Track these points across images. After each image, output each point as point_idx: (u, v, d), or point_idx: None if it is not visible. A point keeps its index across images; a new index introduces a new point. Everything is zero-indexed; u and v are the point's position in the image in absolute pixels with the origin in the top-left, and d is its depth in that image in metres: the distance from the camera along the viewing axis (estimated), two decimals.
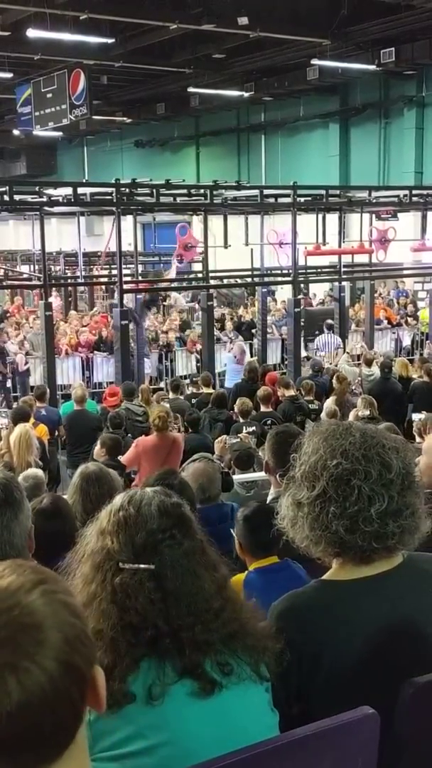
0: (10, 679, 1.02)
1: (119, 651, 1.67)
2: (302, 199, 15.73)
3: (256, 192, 16.15)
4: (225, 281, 21.40)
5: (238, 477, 6.92)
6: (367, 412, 9.10)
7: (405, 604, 1.97)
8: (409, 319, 19.78)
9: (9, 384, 15.19)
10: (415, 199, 17.12)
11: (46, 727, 1.05)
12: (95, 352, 16.67)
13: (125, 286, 13.79)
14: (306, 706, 1.95)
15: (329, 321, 16.99)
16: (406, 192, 17.17)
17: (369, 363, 13.16)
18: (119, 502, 1.84)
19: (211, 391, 11.66)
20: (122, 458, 8.05)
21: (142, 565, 1.73)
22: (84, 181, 22.97)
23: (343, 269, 17.51)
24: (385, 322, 19.26)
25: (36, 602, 1.09)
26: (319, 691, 1.92)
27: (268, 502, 4.34)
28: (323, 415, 9.54)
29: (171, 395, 11.55)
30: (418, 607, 1.98)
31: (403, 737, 1.82)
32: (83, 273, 19.17)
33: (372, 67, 20.79)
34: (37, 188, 14.61)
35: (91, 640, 1.14)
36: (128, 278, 14.76)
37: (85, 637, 1.12)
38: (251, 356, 17.45)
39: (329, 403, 10.45)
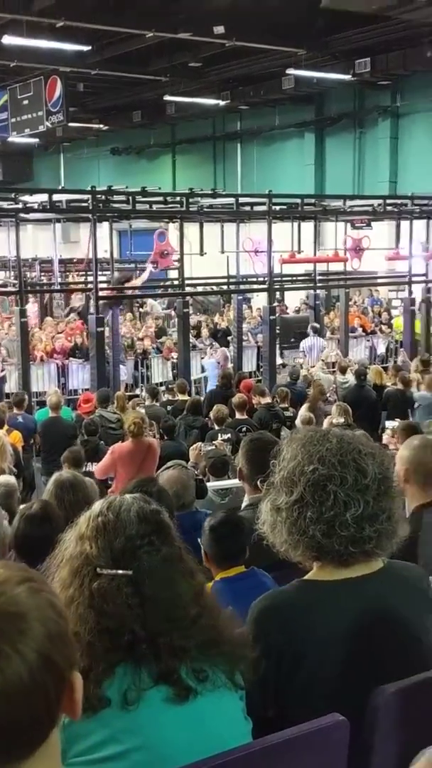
0: None
1: (95, 655, 1.67)
2: (278, 208, 15.79)
3: (231, 200, 16.20)
4: (201, 288, 21.41)
5: (212, 484, 6.94)
6: (342, 420, 9.14)
7: (385, 607, 2.00)
8: (384, 327, 19.91)
9: None
10: (389, 208, 17.25)
11: (20, 719, 1.06)
12: (71, 358, 16.62)
13: (101, 293, 13.78)
14: (282, 708, 1.96)
15: (315, 324, 17.11)
16: (381, 201, 17.30)
17: (344, 370, 13.23)
18: (98, 507, 1.85)
19: (186, 398, 11.68)
20: (98, 466, 8.03)
21: (120, 571, 1.74)
22: (60, 188, 22.89)
23: (318, 277, 17.59)
24: (360, 329, 19.36)
25: (22, 594, 1.11)
26: (297, 691, 1.94)
27: (242, 509, 4.35)
28: (297, 422, 9.58)
29: (148, 402, 11.55)
30: (398, 610, 2.01)
31: (371, 744, 1.84)
32: (59, 280, 19.12)
33: (347, 77, 20.94)
34: (12, 195, 14.57)
35: (72, 643, 1.16)
36: (104, 285, 14.74)
37: (67, 638, 1.14)
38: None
39: (303, 410, 10.50)
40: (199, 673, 1.73)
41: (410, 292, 17.39)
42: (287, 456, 2.06)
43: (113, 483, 8.17)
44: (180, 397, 11.83)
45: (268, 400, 11.20)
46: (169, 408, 11.52)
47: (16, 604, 1.09)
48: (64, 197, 14.99)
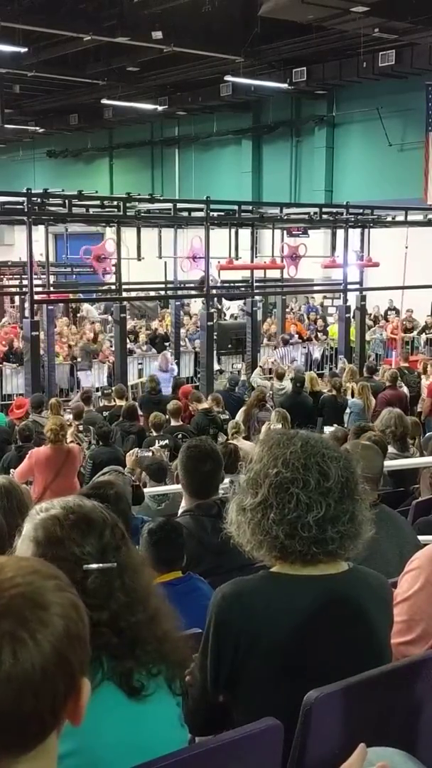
0: (6, 647, 1.04)
1: None
2: (215, 214, 15.85)
3: (169, 205, 16.20)
4: (138, 294, 21.34)
5: (149, 490, 6.91)
6: (279, 426, 9.20)
7: (348, 606, 2.05)
8: (319, 334, 20.13)
9: None
10: (325, 216, 17.45)
11: (23, 710, 1.05)
12: (5, 363, 16.40)
13: (36, 297, 13.63)
14: (233, 694, 2.00)
15: (285, 335, 17.25)
16: (317, 210, 17.49)
17: (280, 377, 13.33)
18: (59, 509, 1.79)
19: (122, 403, 11.63)
20: (17, 470, 7.93)
21: (106, 564, 1.72)
22: None
23: (255, 284, 17.70)
24: (296, 336, 19.54)
25: (49, 588, 1.12)
26: (249, 678, 1.97)
27: (179, 515, 4.35)
28: (228, 428, 9.61)
29: (117, 402, 11.56)
30: (358, 611, 2.05)
31: (304, 746, 1.85)
32: None
33: (284, 85, 21.15)
34: None
35: (86, 650, 1.15)
36: (39, 288, 14.58)
37: (84, 642, 1.14)
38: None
39: (238, 415, 10.55)
40: (149, 672, 1.72)
41: (345, 300, 17.61)
42: (254, 458, 2.11)
43: (31, 488, 8.05)
44: (118, 402, 11.76)
45: (205, 405, 11.22)
46: (106, 413, 11.45)
47: (41, 595, 1.10)
48: None
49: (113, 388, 13.11)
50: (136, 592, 1.76)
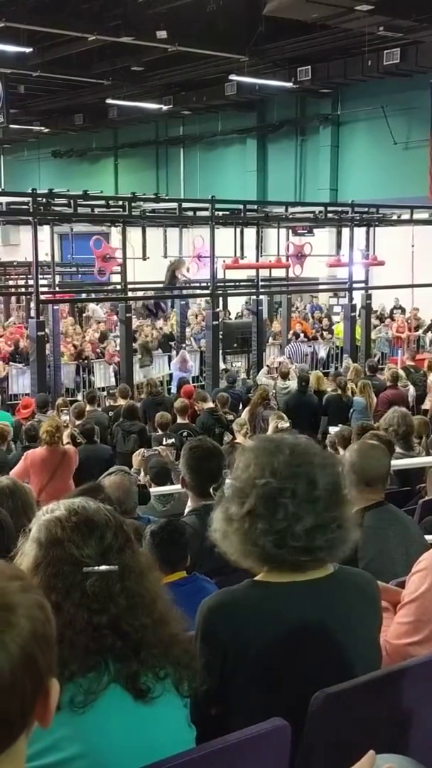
0: None
1: (71, 657, 1.64)
2: (220, 213, 15.84)
3: (174, 205, 16.20)
4: (144, 293, 21.33)
5: (154, 490, 6.91)
6: (287, 424, 9.23)
7: (334, 610, 2.03)
8: (325, 333, 20.11)
9: None
10: (330, 215, 17.43)
11: None
12: (11, 363, 16.42)
13: (41, 297, 13.64)
14: (225, 707, 1.98)
15: (296, 330, 17.11)
16: (322, 209, 17.47)
17: (285, 376, 13.31)
18: (63, 511, 1.80)
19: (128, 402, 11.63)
20: (12, 471, 7.94)
21: (107, 567, 1.71)
22: (0, 190, 22.66)
23: (260, 283, 17.70)
24: (302, 335, 19.52)
25: (14, 589, 1.11)
26: (240, 689, 1.96)
27: (185, 515, 4.35)
28: (234, 426, 9.61)
29: (89, 408, 11.46)
30: (347, 614, 2.04)
31: (313, 746, 1.85)
32: None
33: (288, 84, 21.12)
34: None
35: (54, 649, 1.14)
36: (44, 289, 14.60)
37: (51, 642, 1.13)
38: (170, 368, 17.48)
39: (243, 414, 10.55)
40: (157, 675, 1.71)
41: (351, 299, 17.59)
42: (240, 465, 2.07)
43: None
44: (121, 402, 11.77)
45: (210, 405, 11.23)
46: (111, 413, 11.47)
47: (6, 596, 1.09)
48: (3, 200, 14.80)
49: (117, 388, 13.13)
50: (140, 595, 1.75)
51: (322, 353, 19.04)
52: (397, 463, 6.25)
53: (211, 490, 4.97)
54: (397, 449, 6.51)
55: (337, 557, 2.05)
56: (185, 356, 15.74)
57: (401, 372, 12.90)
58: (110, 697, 1.65)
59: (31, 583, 1.17)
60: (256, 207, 17.74)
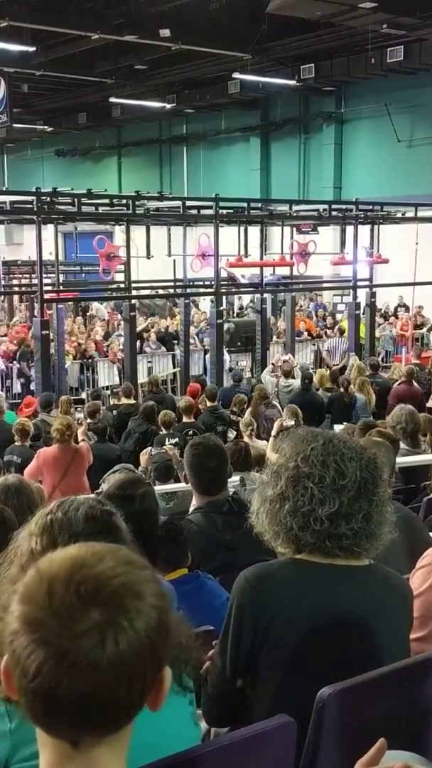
0: (110, 634, 1.09)
1: None
2: (224, 212, 15.83)
3: (178, 203, 16.19)
4: (148, 292, 21.35)
5: (159, 488, 6.92)
6: (293, 422, 9.22)
7: (368, 599, 2.08)
8: (329, 331, 20.09)
9: None
10: (334, 213, 17.41)
11: (116, 695, 1.10)
12: (14, 362, 16.42)
13: (46, 296, 13.65)
14: (248, 683, 2.04)
15: (341, 327, 17.45)
16: (326, 207, 17.46)
17: (287, 374, 13.30)
18: (50, 506, 1.88)
19: (132, 402, 11.63)
20: (26, 470, 7.97)
21: None
22: (3, 189, 22.66)
23: (264, 281, 17.68)
24: (306, 333, 19.51)
25: (145, 578, 1.17)
26: (266, 663, 2.01)
27: (189, 512, 4.35)
28: (241, 426, 9.62)
29: (124, 400, 11.62)
30: (380, 605, 2.08)
31: (318, 742, 1.85)
32: (3, 282, 18.87)
33: (292, 82, 21.10)
34: None
35: (171, 639, 1.20)
36: (49, 288, 14.61)
37: (170, 631, 1.19)
38: (174, 367, 17.50)
39: (246, 414, 10.55)
40: None
41: (355, 297, 17.58)
42: (280, 454, 2.20)
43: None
44: (125, 401, 11.76)
45: (212, 403, 11.24)
46: (115, 412, 11.47)
47: (138, 584, 1.15)
48: (7, 198, 14.82)
49: (121, 387, 13.14)
50: None
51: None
52: (402, 461, 6.25)
53: (238, 478, 4.99)
54: (404, 446, 6.50)
55: (366, 551, 2.11)
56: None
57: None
58: None
59: (156, 573, 1.22)
60: (259, 205, 17.73)
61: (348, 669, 1.94)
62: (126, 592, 1.13)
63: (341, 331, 17.43)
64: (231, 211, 16.49)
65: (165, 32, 17.04)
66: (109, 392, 15.02)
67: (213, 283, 15.45)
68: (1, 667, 1.15)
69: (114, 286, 17.47)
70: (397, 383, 12.10)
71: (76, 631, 1.08)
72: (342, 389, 12.02)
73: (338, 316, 21.17)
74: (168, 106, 24.26)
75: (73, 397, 13.23)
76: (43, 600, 1.11)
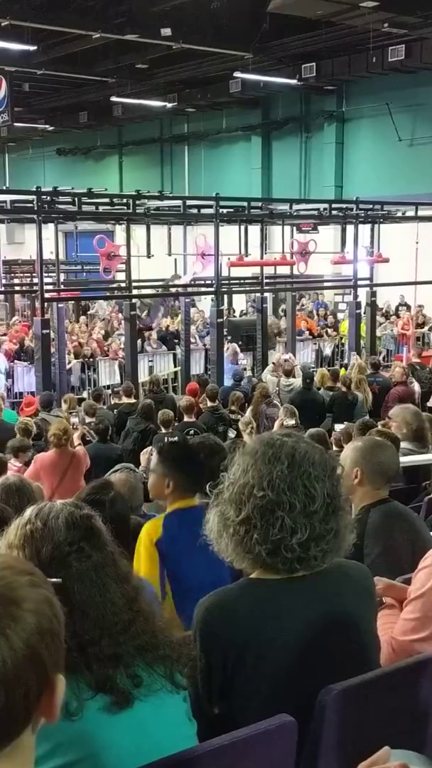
0: None
1: None
2: (225, 211, 15.83)
3: (179, 202, 16.18)
4: (148, 291, 21.35)
5: None
6: (292, 422, 9.23)
7: (332, 604, 2.03)
8: (330, 331, 20.09)
9: None
10: (334, 212, 17.40)
11: None
12: (16, 361, 16.44)
13: (46, 295, 13.65)
14: (228, 705, 1.98)
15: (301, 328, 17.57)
16: (326, 206, 17.45)
17: (288, 373, 13.30)
18: (27, 515, 1.83)
19: (132, 401, 11.63)
20: (24, 475, 7.97)
21: (50, 579, 1.72)
22: (4, 188, 22.65)
23: (265, 280, 17.67)
24: (307, 333, 19.51)
25: (22, 584, 1.12)
26: (242, 688, 1.95)
27: None
28: (240, 425, 9.62)
29: (125, 399, 11.63)
30: (345, 606, 2.05)
31: (319, 743, 1.84)
32: (4, 281, 18.87)
33: (293, 81, 21.08)
34: None
35: (61, 646, 1.15)
36: (49, 287, 14.61)
37: (58, 638, 1.14)
38: (174, 366, 17.50)
39: (247, 413, 10.55)
40: (134, 678, 1.71)
41: (355, 296, 17.57)
42: (239, 469, 2.06)
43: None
44: (125, 400, 11.76)
45: (213, 403, 11.23)
46: (115, 411, 11.47)
47: (14, 590, 1.11)
48: (8, 198, 14.81)
49: (122, 386, 13.15)
50: (99, 602, 1.74)
51: (328, 351, 19.03)
52: (405, 460, 6.24)
53: (207, 488, 4.99)
54: (409, 446, 6.49)
55: (329, 562, 2.04)
56: (236, 349, 15.84)
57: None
58: (98, 704, 1.65)
59: (43, 579, 1.18)
60: (260, 204, 17.72)
61: (328, 678, 1.92)
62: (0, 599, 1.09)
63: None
64: (231, 210, 16.48)
65: (166, 31, 17.03)
66: (110, 391, 15.02)
67: (213, 282, 15.44)
68: None
69: (115, 285, 17.46)
70: (394, 385, 12.11)
71: None
72: (344, 388, 12.02)
73: (339, 316, 21.16)
74: (169, 105, 24.26)
75: (76, 397, 13.24)
76: None
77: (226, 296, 19.32)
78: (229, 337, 17.10)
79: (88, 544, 1.78)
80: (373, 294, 18.02)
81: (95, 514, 1.88)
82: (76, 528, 1.80)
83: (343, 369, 15.01)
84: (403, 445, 6.32)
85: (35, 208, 13.14)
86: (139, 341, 16.25)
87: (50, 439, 8.15)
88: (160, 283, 20.51)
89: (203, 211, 16.11)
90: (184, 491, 3.57)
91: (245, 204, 16.47)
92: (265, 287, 17.81)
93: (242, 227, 16.87)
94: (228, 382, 14.13)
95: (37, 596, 1.12)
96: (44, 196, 13.46)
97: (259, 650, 1.94)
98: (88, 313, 22.28)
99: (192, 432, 9.45)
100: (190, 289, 18.14)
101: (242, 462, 2.07)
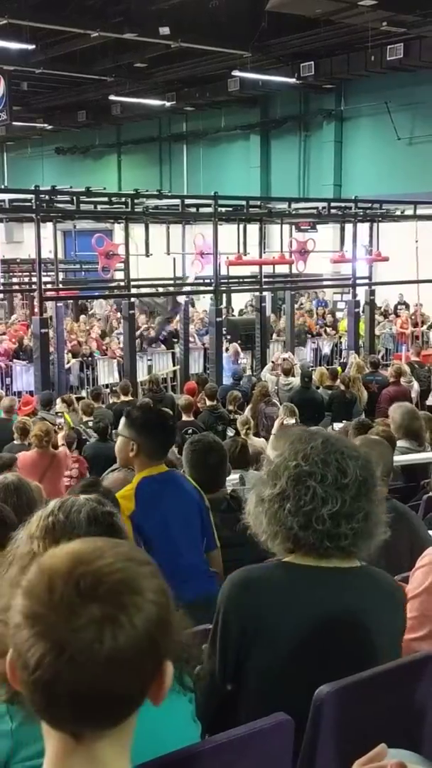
0: (107, 630, 1.11)
1: None
2: (223, 210, 15.82)
3: (177, 201, 16.18)
4: (147, 290, 21.34)
5: None
6: (292, 421, 9.23)
7: (360, 602, 2.06)
8: (328, 329, 20.08)
9: None
10: (333, 211, 17.40)
11: (116, 689, 1.12)
12: (14, 360, 16.43)
13: (45, 294, 13.65)
14: (241, 683, 2.03)
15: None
16: (325, 204, 17.44)
17: (287, 372, 13.30)
18: (50, 507, 1.86)
19: (129, 399, 11.63)
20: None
21: None
22: (3, 187, 22.64)
23: (263, 279, 17.67)
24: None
25: (145, 574, 1.18)
26: (256, 666, 2.00)
27: None
28: (237, 425, 9.62)
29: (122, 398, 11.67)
30: (372, 608, 2.07)
31: (315, 741, 1.85)
32: (2, 280, 18.88)
33: (292, 80, 21.07)
34: None
35: (172, 635, 1.21)
36: (48, 286, 14.61)
37: (171, 628, 1.20)
38: (174, 365, 17.50)
39: (245, 412, 10.55)
40: None
41: (354, 295, 17.57)
42: (277, 452, 2.17)
43: None
44: (123, 398, 11.77)
45: (211, 402, 11.23)
46: (113, 410, 11.48)
47: (137, 581, 1.16)
48: (6, 197, 14.81)
49: (118, 384, 13.16)
50: None
51: (327, 349, 19.03)
52: (403, 459, 6.24)
53: (237, 476, 5.02)
54: (406, 444, 6.49)
55: (361, 551, 2.10)
56: (237, 348, 15.84)
57: (405, 368, 12.87)
58: None
59: (158, 570, 1.23)
60: (259, 203, 17.72)
61: (340, 672, 1.93)
62: (124, 587, 1.14)
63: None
64: (230, 209, 16.47)
65: (165, 30, 17.02)
66: (108, 390, 15.02)
67: (212, 281, 15.44)
68: (7, 660, 1.17)
69: (113, 284, 17.46)
70: (388, 385, 12.10)
71: (75, 626, 1.10)
72: (343, 387, 12.02)
73: (338, 314, 21.16)
74: (167, 103, 24.25)
75: (74, 396, 13.25)
76: (43, 594, 1.13)
77: (224, 295, 19.30)
78: (228, 337, 17.11)
79: None
80: (372, 293, 18.02)
81: (116, 512, 1.90)
82: (97, 524, 1.83)
83: (340, 368, 15.01)
84: (400, 443, 6.33)
85: (34, 207, 13.14)
86: (138, 341, 16.24)
87: (31, 440, 8.16)
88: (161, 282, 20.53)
89: (202, 209, 16.11)
90: (149, 456, 3.58)
91: (244, 203, 16.46)
92: (264, 286, 17.80)
93: (241, 226, 16.86)
94: (227, 381, 14.14)
95: (156, 586, 1.18)
96: (43, 195, 13.46)
97: (277, 631, 1.99)
98: (89, 312, 22.27)
99: (190, 431, 9.45)
100: (188, 288, 18.13)
101: (279, 444, 2.19)
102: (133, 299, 15.58)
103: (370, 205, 17.92)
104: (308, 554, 2.07)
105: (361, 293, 17.81)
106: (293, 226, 18.06)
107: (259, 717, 1.82)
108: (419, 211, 17.99)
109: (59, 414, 10.76)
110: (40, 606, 1.12)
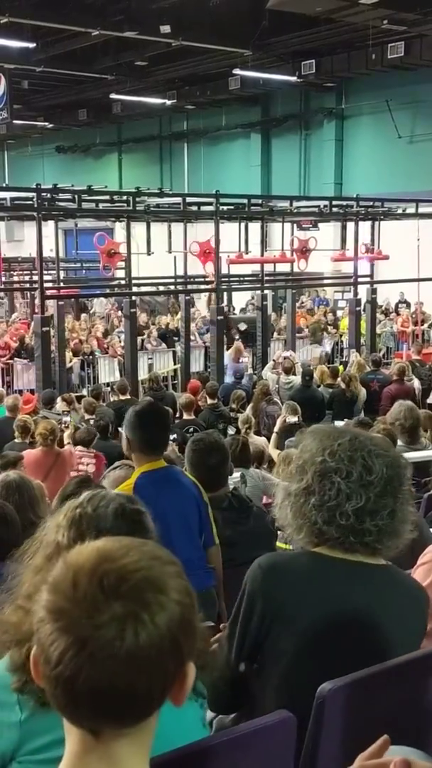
0: (130, 627, 1.11)
1: None
2: (225, 208, 15.81)
3: (178, 200, 16.16)
4: (148, 288, 21.33)
5: None
6: (295, 419, 9.23)
7: (383, 599, 2.08)
8: (330, 328, 20.07)
9: None
10: (334, 209, 17.38)
11: (137, 687, 1.12)
12: (15, 359, 16.43)
13: (46, 293, 13.64)
14: (257, 664, 2.07)
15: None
16: (326, 203, 17.43)
17: (287, 371, 13.29)
18: (81, 498, 1.88)
19: (128, 398, 11.62)
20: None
21: None
22: (4, 185, 22.62)
23: (265, 278, 17.66)
24: (306, 330, 19.49)
25: (170, 573, 1.18)
26: (271, 650, 2.03)
27: None
28: (239, 424, 9.63)
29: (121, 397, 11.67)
30: (394, 608, 2.09)
31: (318, 737, 1.85)
32: (3, 278, 18.85)
33: (293, 78, 21.06)
34: None
35: (196, 636, 1.21)
36: (49, 284, 14.60)
37: (195, 628, 1.20)
38: (174, 363, 17.50)
39: (246, 411, 10.55)
40: None
41: (355, 293, 17.56)
42: (305, 448, 2.19)
43: None
44: (122, 397, 11.77)
45: (212, 400, 11.23)
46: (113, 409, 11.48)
47: (162, 579, 1.17)
48: (8, 195, 14.79)
49: (116, 383, 13.17)
50: None
51: (327, 348, 19.02)
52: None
53: (238, 474, 5.01)
54: (400, 443, 6.49)
55: (387, 549, 2.12)
56: (240, 347, 15.86)
57: (407, 366, 12.86)
58: None
59: (182, 569, 1.23)
60: (260, 201, 17.70)
61: (353, 665, 1.94)
62: (148, 586, 1.15)
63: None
64: (231, 207, 16.46)
65: (165, 28, 17.02)
66: (109, 389, 15.02)
67: (213, 279, 15.43)
68: (31, 655, 1.18)
69: (115, 282, 17.45)
70: (389, 383, 12.10)
71: (97, 622, 1.11)
72: (343, 385, 12.02)
73: (339, 313, 21.14)
74: (168, 102, 24.24)
75: (75, 395, 13.25)
76: (67, 590, 1.14)
77: (225, 293, 19.30)
78: (237, 336, 17.15)
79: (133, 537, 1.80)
80: (374, 291, 18.01)
81: (145, 511, 1.91)
82: (124, 519, 1.84)
83: (341, 367, 15.01)
84: (400, 442, 6.33)
85: (35, 206, 13.13)
86: (139, 339, 16.24)
87: (36, 438, 8.16)
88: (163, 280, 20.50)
89: (203, 208, 16.10)
90: (142, 451, 3.60)
91: (245, 201, 16.45)
92: (265, 284, 17.80)
93: (242, 224, 16.85)
94: (228, 379, 14.13)
95: (180, 586, 1.18)
96: (44, 194, 13.44)
97: (296, 616, 2.02)
98: (89, 311, 22.27)
99: (191, 429, 9.45)
100: (189, 287, 18.12)
101: (308, 441, 2.20)
102: (134, 297, 15.58)
103: (371, 203, 17.90)
104: (334, 547, 2.10)
105: (363, 291, 17.80)
106: (294, 225, 18.04)
107: (273, 703, 1.84)
108: (420, 210, 17.99)
109: (65, 412, 10.76)
110: (64, 601, 1.13)
